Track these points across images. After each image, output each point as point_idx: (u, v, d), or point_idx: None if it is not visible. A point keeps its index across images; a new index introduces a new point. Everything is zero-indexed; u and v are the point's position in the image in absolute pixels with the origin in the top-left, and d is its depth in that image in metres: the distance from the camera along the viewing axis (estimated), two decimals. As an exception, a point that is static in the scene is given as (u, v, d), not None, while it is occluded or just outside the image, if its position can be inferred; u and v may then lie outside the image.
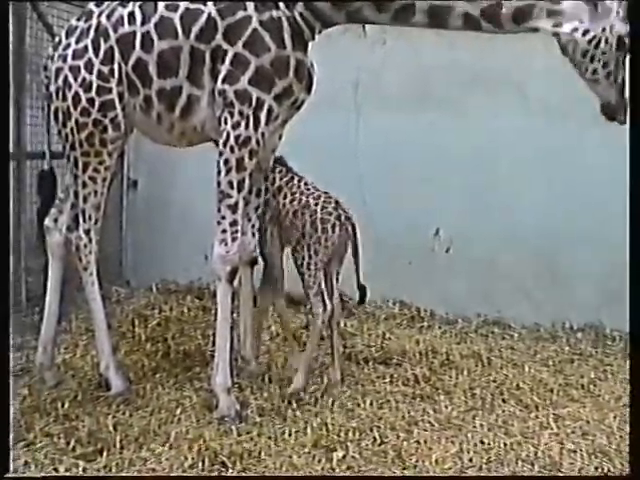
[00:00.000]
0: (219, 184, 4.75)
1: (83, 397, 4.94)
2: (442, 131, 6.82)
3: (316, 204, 5.19)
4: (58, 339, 5.45)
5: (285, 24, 4.67)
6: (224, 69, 4.65)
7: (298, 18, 4.69)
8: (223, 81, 4.65)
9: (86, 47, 4.83)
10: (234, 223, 4.77)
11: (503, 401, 5.15)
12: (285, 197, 5.29)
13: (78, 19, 4.98)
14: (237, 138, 4.69)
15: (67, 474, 4.03)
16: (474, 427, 4.72)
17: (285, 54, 4.68)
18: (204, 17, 4.65)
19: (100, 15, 4.86)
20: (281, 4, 4.67)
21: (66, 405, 4.78)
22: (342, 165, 6.89)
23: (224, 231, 4.77)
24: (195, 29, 4.66)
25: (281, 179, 5.34)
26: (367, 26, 7.01)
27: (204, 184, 5.64)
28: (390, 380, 5.43)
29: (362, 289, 5.38)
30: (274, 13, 4.66)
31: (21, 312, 6.46)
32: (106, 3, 4.90)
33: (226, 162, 4.71)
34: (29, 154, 6.54)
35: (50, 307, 5.18)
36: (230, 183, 4.72)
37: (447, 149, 6.79)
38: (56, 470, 4.05)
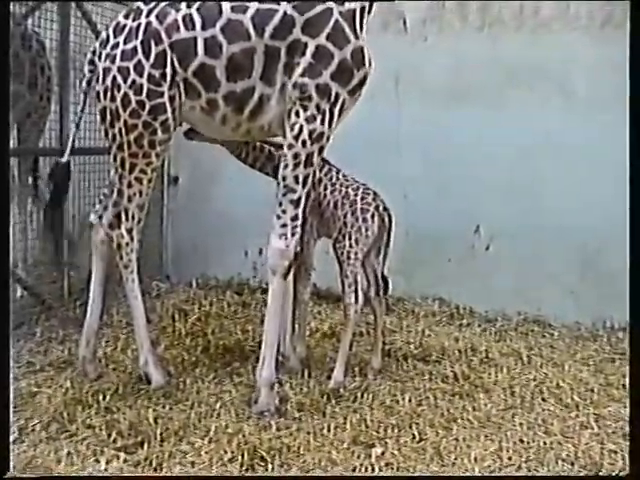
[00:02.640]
0: (284, 178, 4.73)
1: (124, 390, 4.99)
2: (483, 126, 6.77)
3: (355, 195, 5.26)
4: (100, 333, 5.51)
5: (358, 15, 4.69)
6: (304, 62, 4.61)
7: (365, 8, 4.71)
8: (303, 74, 4.62)
9: (135, 48, 4.75)
10: (295, 218, 4.78)
11: (543, 400, 5.11)
12: (325, 188, 5.33)
13: (126, 17, 4.88)
14: (311, 133, 4.67)
15: (108, 466, 4.08)
16: (513, 425, 4.70)
17: (360, 45, 4.69)
18: (279, 15, 4.61)
19: (149, 15, 4.78)
20: None
21: (107, 398, 4.84)
22: (383, 160, 6.88)
23: (284, 225, 4.77)
24: (269, 28, 4.61)
25: (320, 171, 5.36)
26: (408, 22, 7.01)
27: (244, 180, 5.69)
28: (429, 377, 5.41)
29: (385, 280, 5.43)
30: (352, 5, 4.66)
31: (63, 306, 6.55)
32: (154, 2, 4.81)
33: (295, 156, 4.69)
34: (73, 150, 6.59)
35: (93, 301, 5.24)
36: (296, 178, 4.71)
37: (488, 144, 6.75)
38: (97, 461, 4.09)
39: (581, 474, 4.18)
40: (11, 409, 4.23)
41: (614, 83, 6.27)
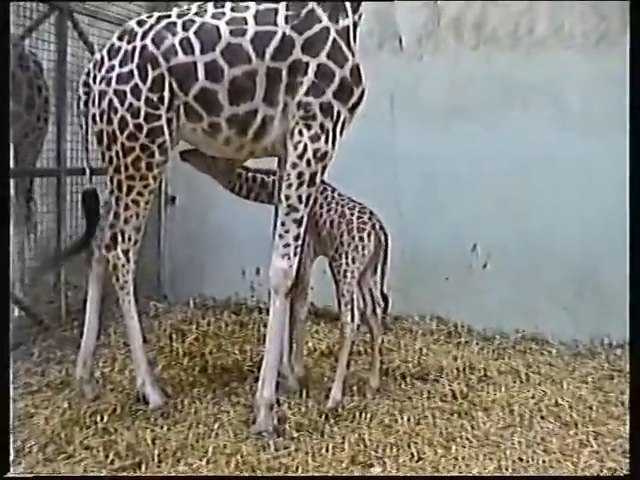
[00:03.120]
0: (288, 197, 4.74)
1: (122, 411, 4.97)
2: (479, 144, 6.78)
3: (352, 214, 5.27)
4: (97, 353, 5.50)
5: (351, 31, 4.73)
6: (307, 81, 4.64)
7: (357, 24, 4.77)
8: (306, 93, 4.65)
9: (132, 72, 4.74)
10: (297, 237, 4.79)
11: (542, 418, 5.10)
12: (321, 207, 5.33)
13: (120, 38, 4.87)
14: (315, 152, 4.70)
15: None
16: (512, 444, 4.68)
17: (357, 62, 4.75)
18: (278, 36, 4.65)
19: (144, 37, 4.76)
20: (349, 10, 4.73)
21: (105, 419, 4.82)
22: (379, 178, 6.92)
23: (287, 245, 4.78)
24: (270, 49, 4.64)
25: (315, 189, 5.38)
26: (404, 41, 7.05)
27: (241, 200, 5.68)
28: (427, 396, 5.40)
29: (385, 298, 5.44)
30: (345, 22, 4.71)
31: (61, 326, 6.54)
32: (149, 22, 4.82)
33: (299, 175, 4.71)
34: (69, 170, 6.62)
35: (90, 322, 5.22)
36: (300, 197, 4.73)
37: (485, 163, 6.76)
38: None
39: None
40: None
41: (608, 100, 6.33)
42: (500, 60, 6.82)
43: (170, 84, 4.73)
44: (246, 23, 4.69)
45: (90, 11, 6.92)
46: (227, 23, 4.70)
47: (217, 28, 4.70)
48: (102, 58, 4.90)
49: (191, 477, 4.22)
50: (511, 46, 6.82)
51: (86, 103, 4.98)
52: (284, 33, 4.65)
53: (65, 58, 6.55)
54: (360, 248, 5.19)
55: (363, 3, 4.89)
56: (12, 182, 6.56)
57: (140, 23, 4.89)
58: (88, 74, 4.97)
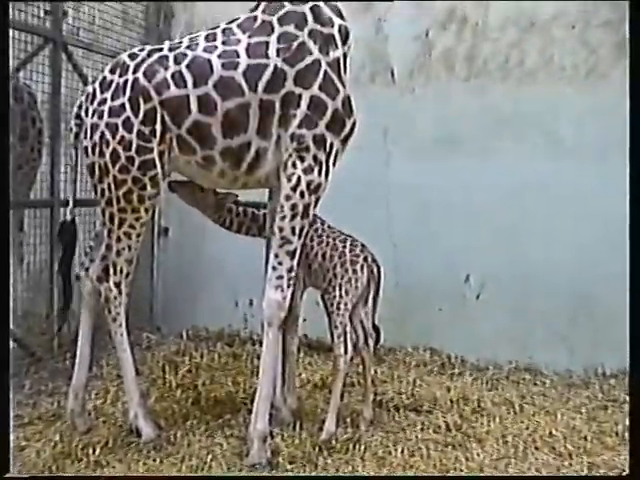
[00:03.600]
0: (281, 229, 4.75)
1: (114, 444, 4.93)
2: (472, 176, 6.83)
3: (344, 246, 5.27)
4: (89, 385, 5.47)
5: (341, 63, 4.77)
6: (300, 113, 4.67)
7: (346, 55, 4.83)
8: (300, 126, 4.68)
9: (123, 105, 4.75)
10: (291, 269, 4.80)
11: (536, 449, 5.06)
12: (312, 240, 5.32)
13: (112, 71, 4.89)
14: (309, 184, 4.72)
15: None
16: (507, 475, 4.65)
17: (348, 94, 4.80)
18: (270, 69, 4.68)
19: (136, 70, 4.78)
20: (338, 42, 4.79)
21: (97, 451, 4.77)
22: (372, 209, 6.95)
23: (280, 277, 4.78)
24: (262, 82, 4.67)
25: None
26: (396, 74, 7.11)
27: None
28: (421, 428, 5.36)
29: (377, 330, 5.43)
30: (336, 53, 4.77)
31: (53, 358, 6.51)
32: (141, 55, 4.85)
33: (293, 207, 4.72)
34: (62, 201, 6.61)
35: (81, 354, 5.19)
36: (293, 229, 4.75)
37: (477, 193, 6.81)
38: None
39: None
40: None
41: (599, 130, 6.39)
42: (491, 92, 6.89)
43: (162, 117, 4.74)
44: (238, 56, 4.72)
45: (84, 43, 6.97)
46: (219, 56, 4.73)
47: (209, 61, 4.73)
48: (94, 91, 4.92)
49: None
50: (502, 78, 6.89)
51: (77, 135, 4.99)
52: (276, 65, 4.69)
53: (59, 90, 6.58)
54: (353, 281, 5.19)
55: (353, 36, 4.94)
56: (5, 213, 6.58)
57: (132, 56, 4.91)
58: (80, 107, 4.99)
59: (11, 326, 6.43)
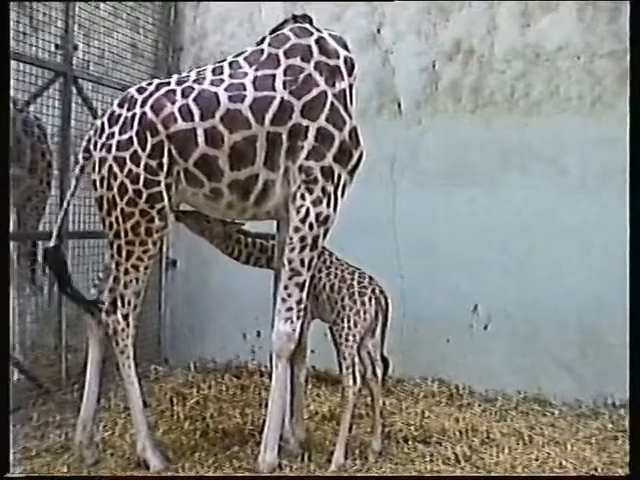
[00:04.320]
0: (290, 261, 4.77)
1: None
2: (478, 206, 6.86)
3: (352, 278, 5.27)
4: (97, 417, 5.45)
5: (347, 94, 4.80)
6: (308, 145, 4.70)
7: (352, 86, 4.84)
8: (307, 157, 4.70)
9: (131, 139, 4.77)
10: (300, 301, 4.81)
11: (546, 481, 5.05)
12: (320, 271, 5.31)
13: (120, 105, 4.92)
14: (318, 216, 4.73)
15: None
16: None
17: (354, 125, 4.82)
18: (277, 101, 4.70)
19: (144, 105, 4.82)
20: (344, 73, 4.80)
21: (105, 485, 4.77)
22: (379, 240, 6.94)
23: (290, 309, 4.80)
24: (269, 114, 4.69)
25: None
26: (403, 105, 7.15)
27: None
28: (430, 459, 5.31)
29: (385, 361, 5.40)
30: (342, 84, 4.79)
31: (60, 389, 6.50)
32: (149, 90, 4.88)
33: (302, 239, 4.74)
34: (71, 233, 6.64)
35: (90, 386, 5.18)
36: (302, 261, 4.76)
37: (484, 224, 6.82)
38: None
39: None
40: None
41: (606, 160, 6.40)
42: (498, 123, 6.91)
43: (169, 150, 4.76)
44: (245, 89, 4.75)
45: (94, 77, 7.04)
46: (226, 89, 4.77)
47: (216, 94, 4.76)
48: (102, 125, 4.96)
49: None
50: (508, 109, 6.92)
51: (82, 169, 5.02)
52: (282, 98, 4.72)
53: (69, 123, 6.63)
54: (362, 312, 5.18)
55: (360, 68, 4.98)
56: (14, 245, 6.61)
57: (140, 90, 4.95)
58: (89, 140, 5.02)
59: (18, 356, 6.47)
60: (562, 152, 6.74)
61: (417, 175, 7.09)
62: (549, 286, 6.68)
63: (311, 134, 4.71)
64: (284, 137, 4.72)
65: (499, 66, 6.95)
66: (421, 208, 6.99)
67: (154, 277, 7.38)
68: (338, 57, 4.88)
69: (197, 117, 4.74)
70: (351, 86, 4.89)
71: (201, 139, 4.73)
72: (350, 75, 4.90)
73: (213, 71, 4.91)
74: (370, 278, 5.33)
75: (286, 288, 4.79)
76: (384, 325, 5.35)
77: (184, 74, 5.15)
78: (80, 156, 5.08)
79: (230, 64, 4.91)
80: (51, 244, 5.04)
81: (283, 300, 4.80)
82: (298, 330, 4.82)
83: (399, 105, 7.22)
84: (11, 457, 4.40)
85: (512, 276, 6.79)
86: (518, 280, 6.78)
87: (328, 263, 5.35)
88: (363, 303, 5.20)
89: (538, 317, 6.74)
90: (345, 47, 4.97)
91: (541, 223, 6.72)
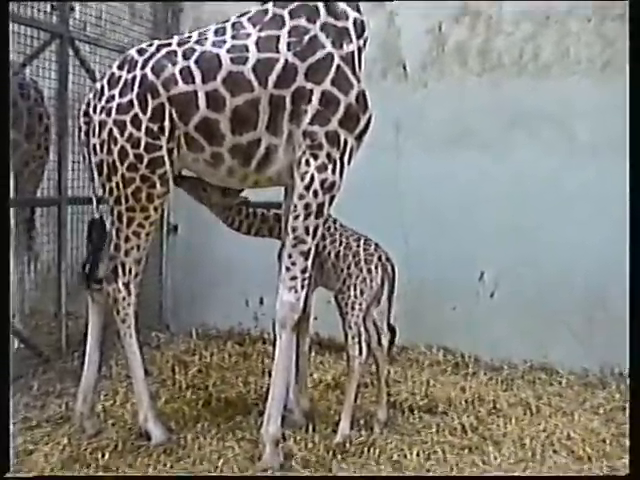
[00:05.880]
0: (295, 229, 4.62)
1: (123, 447, 4.84)
2: (485, 171, 6.72)
3: (358, 245, 5.17)
4: (98, 386, 5.34)
5: (356, 57, 4.64)
6: (312, 109, 4.53)
7: (361, 49, 4.68)
8: (311, 122, 4.54)
9: (131, 102, 4.65)
10: (305, 270, 4.67)
11: (554, 452, 4.97)
12: (324, 239, 5.21)
13: (120, 67, 4.78)
14: (323, 182, 4.58)
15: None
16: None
17: (362, 88, 4.65)
18: (280, 63, 4.52)
19: (144, 66, 4.67)
20: (353, 35, 4.64)
21: (106, 456, 4.69)
22: (384, 206, 6.82)
23: (294, 278, 4.66)
24: (273, 77, 4.52)
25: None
26: (408, 68, 7.00)
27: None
28: (436, 430, 5.25)
29: (392, 330, 5.33)
30: (350, 47, 4.62)
31: (61, 358, 6.43)
32: (149, 51, 4.74)
33: (306, 207, 4.59)
34: (70, 199, 6.54)
35: (90, 355, 5.09)
36: (307, 229, 4.62)
37: (491, 190, 6.70)
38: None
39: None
40: (11, 410, 4.13)
41: (615, 125, 6.24)
42: (505, 87, 6.77)
43: (170, 114, 4.63)
44: (247, 50, 4.59)
45: (91, 38, 6.88)
46: (228, 51, 4.61)
47: (218, 56, 4.60)
48: (102, 87, 4.81)
49: (192, 477, 4.13)
50: (516, 72, 6.77)
51: (87, 133, 4.88)
52: (286, 60, 4.55)
53: (66, 86, 6.47)
54: (368, 280, 5.09)
55: (367, 30, 4.81)
56: (12, 211, 6.48)
57: (140, 52, 4.80)
58: (88, 104, 4.89)
59: (18, 325, 6.38)
60: (571, 115, 6.60)
61: (423, 140, 6.95)
62: (557, 253, 6.58)
63: (315, 98, 4.55)
64: (287, 100, 4.56)
65: (507, 28, 6.79)
66: (427, 173, 6.86)
67: (155, 243, 7.27)
68: (347, 18, 4.69)
69: (198, 79, 4.59)
70: (360, 49, 4.72)
71: (202, 102, 4.58)
72: (359, 38, 4.72)
73: (215, 32, 4.74)
74: (376, 245, 5.22)
75: (290, 256, 4.66)
76: (390, 293, 5.26)
77: (185, 35, 4.99)
78: (80, 120, 4.94)
79: (233, 25, 4.74)
80: (96, 215, 5.00)
81: (287, 269, 4.68)
82: (302, 299, 4.70)
83: (404, 68, 7.06)
84: (11, 454, 4.30)
85: (519, 242, 6.68)
86: (525, 246, 6.67)
87: (333, 230, 5.25)
88: (369, 271, 5.11)
89: (545, 284, 6.64)
90: (357, 9, 4.78)
91: (549, 188, 6.61)
